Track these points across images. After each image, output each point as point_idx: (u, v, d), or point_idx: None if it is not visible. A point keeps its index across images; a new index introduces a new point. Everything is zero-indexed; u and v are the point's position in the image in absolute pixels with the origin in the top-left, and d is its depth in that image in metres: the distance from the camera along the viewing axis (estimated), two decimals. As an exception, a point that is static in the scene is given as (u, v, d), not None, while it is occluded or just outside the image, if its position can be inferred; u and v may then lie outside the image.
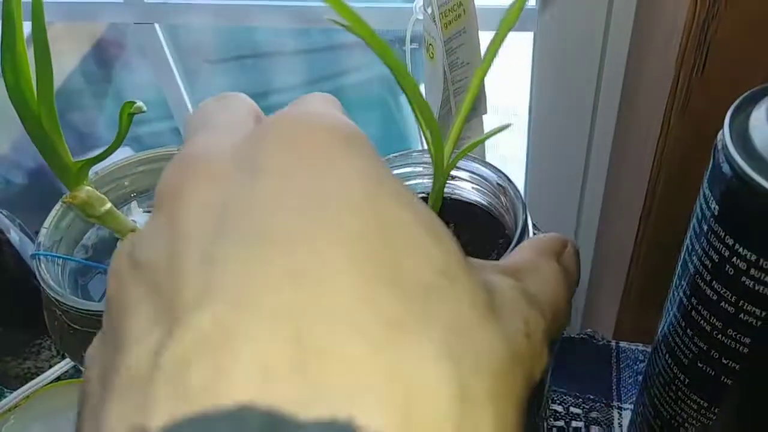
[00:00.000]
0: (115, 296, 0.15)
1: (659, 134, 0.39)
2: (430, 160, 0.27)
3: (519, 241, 0.24)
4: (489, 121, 0.60)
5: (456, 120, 0.24)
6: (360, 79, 1.16)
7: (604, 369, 0.50)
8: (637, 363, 0.50)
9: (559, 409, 0.48)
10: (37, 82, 0.26)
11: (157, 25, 0.78)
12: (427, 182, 0.29)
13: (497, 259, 0.23)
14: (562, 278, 0.18)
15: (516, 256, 0.19)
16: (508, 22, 0.20)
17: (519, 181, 0.76)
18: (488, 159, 0.30)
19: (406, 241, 0.14)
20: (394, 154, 0.28)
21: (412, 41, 0.53)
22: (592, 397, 0.48)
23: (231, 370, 0.11)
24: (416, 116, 0.21)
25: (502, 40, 0.21)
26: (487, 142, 0.67)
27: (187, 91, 0.89)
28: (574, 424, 0.47)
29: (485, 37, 0.57)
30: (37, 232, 0.48)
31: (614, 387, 0.49)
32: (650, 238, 0.46)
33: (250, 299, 0.12)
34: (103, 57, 1.19)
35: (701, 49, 0.32)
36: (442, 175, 0.24)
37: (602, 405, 0.48)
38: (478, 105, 0.58)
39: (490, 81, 0.53)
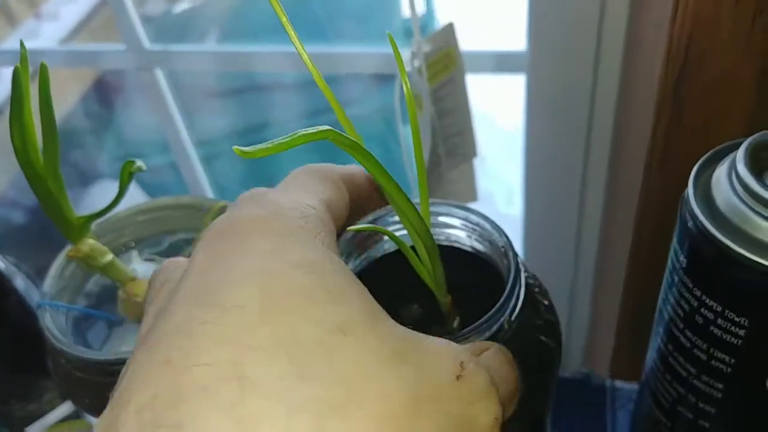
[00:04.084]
0: None
1: (642, 183, 0.41)
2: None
3: (512, 287, 0.25)
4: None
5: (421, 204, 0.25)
6: (358, 112, 1.18)
7: (600, 410, 0.51)
8: (632, 402, 0.51)
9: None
10: (44, 147, 0.27)
11: (158, 71, 0.80)
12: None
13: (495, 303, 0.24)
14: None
15: None
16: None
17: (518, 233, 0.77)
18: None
19: (298, 305, 0.15)
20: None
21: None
22: (588, 439, 0.49)
23: None
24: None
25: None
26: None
27: (187, 127, 0.90)
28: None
29: (474, 81, 0.59)
30: (39, 274, 0.49)
31: (609, 428, 0.50)
32: (636, 282, 0.47)
33: (125, 396, 0.15)
34: (103, 92, 1.22)
35: (676, 106, 0.34)
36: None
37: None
38: (468, 149, 0.59)
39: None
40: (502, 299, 0.25)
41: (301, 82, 1.14)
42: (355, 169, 0.24)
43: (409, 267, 0.27)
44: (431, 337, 0.18)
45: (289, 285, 0.16)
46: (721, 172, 0.24)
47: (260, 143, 0.17)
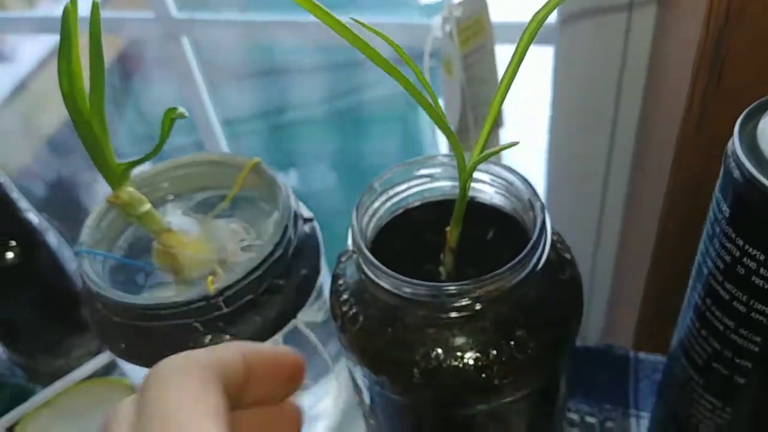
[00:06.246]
0: None
1: (676, 146, 0.41)
2: (449, 162, 0.29)
3: (537, 241, 0.25)
4: (510, 136, 0.62)
5: (481, 134, 0.26)
6: (380, 94, 1.18)
7: (622, 379, 0.51)
8: (656, 373, 0.51)
9: (575, 417, 0.49)
10: (90, 90, 0.28)
11: (185, 39, 0.80)
12: (446, 185, 0.31)
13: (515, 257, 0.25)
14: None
15: None
16: (526, 40, 0.21)
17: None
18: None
19: None
20: (422, 157, 0.29)
21: (431, 56, 0.55)
22: (608, 406, 0.49)
23: None
24: (441, 128, 0.24)
25: (521, 58, 0.22)
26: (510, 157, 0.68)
27: (212, 103, 0.91)
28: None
29: (503, 52, 0.59)
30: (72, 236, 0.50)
31: (631, 396, 0.50)
32: (667, 249, 0.47)
33: None
34: (124, 70, 1.23)
35: (716, 65, 0.34)
36: (464, 179, 0.25)
37: (619, 414, 0.49)
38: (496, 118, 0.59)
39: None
40: (528, 246, 0.25)
41: (324, 65, 1.14)
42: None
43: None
44: None
45: None
46: (766, 122, 0.24)
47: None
